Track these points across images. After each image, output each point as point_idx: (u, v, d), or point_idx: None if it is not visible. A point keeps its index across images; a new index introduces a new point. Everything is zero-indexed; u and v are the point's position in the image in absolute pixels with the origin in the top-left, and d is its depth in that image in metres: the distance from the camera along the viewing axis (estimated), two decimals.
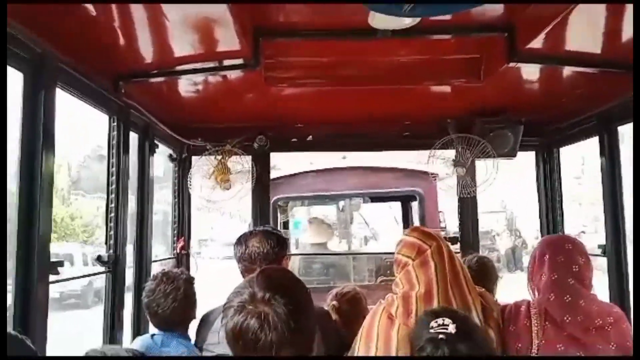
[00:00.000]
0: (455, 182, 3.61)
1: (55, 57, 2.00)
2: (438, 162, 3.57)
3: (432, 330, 1.55)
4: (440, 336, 1.52)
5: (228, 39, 2.28)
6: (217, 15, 2.03)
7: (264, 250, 2.19)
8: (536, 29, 2.16)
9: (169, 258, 3.66)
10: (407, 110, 3.53)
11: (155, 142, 3.25)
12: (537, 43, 2.25)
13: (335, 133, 3.85)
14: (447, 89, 3.10)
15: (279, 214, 5.81)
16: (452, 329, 1.54)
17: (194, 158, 3.81)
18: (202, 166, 3.68)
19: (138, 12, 2.00)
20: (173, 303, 2.32)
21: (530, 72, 2.77)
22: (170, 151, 3.75)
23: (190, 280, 2.45)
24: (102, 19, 2.02)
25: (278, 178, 5.42)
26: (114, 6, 1.93)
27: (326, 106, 3.47)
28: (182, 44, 2.39)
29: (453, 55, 2.77)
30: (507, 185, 17.76)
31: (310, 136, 3.83)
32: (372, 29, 2.33)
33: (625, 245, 2.89)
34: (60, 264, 1.94)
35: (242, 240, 2.24)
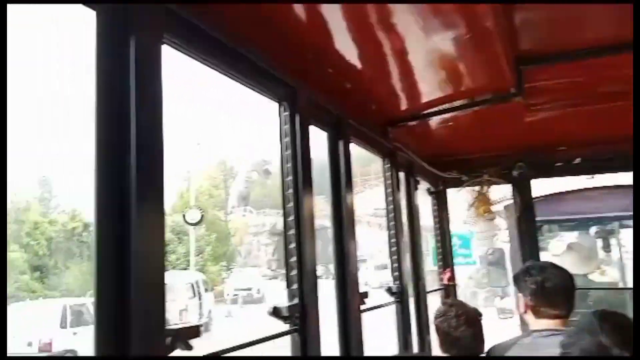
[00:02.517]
0: None
1: (345, 116, 2.35)
2: None
3: None
4: None
5: (487, 73, 2.35)
6: (476, 50, 2.10)
7: (566, 284, 2.01)
8: None
9: (438, 289, 3.78)
10: None
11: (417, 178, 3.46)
12: None
13: (602, 154, 3.53)
14: None
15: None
16: None
17: (448, 190, 3.93)
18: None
19: (392, 62, 2.19)
20: (464, 324, 2.21)
21: None
22: (427, 185, 3.92)
23: (478, 312, 2.38)
24: (370, 75, 2.30)
25: (535, 198, 5.09)
26: (376, 60, 2.17)
27: (588, 126, 3.25)
28: (433, 87, 2.54)
29: None
30: None
31: (579, 159, 3.58)
32: None
33: None
34: (365, 295, 2.21)
35: (532, 271, 2.06)
